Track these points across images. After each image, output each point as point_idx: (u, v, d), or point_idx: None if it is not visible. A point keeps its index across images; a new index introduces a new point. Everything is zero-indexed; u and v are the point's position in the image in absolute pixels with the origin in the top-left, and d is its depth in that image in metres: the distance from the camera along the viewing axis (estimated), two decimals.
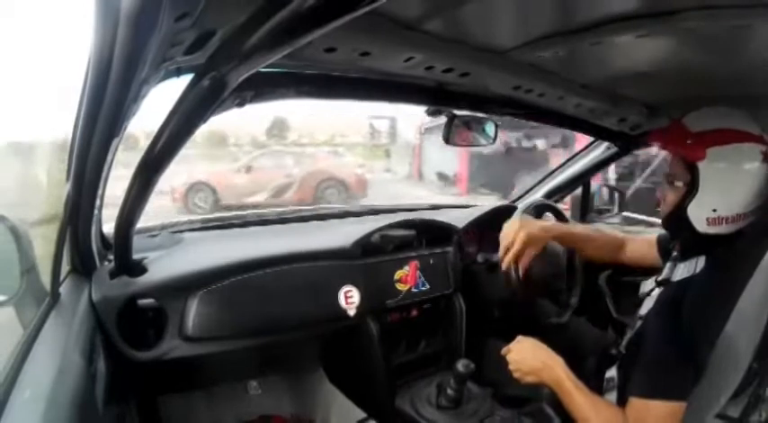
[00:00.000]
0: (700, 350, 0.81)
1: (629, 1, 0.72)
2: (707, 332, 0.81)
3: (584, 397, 0.90)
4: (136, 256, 1.01)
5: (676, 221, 0.94)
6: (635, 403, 0.82)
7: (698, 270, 0.90)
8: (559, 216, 1.48)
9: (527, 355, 1.00)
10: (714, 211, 0.89)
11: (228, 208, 6.63)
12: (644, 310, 0.96)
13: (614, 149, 1.66)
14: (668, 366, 0.81)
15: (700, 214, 0.91)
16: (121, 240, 0.92)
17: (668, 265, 0.97)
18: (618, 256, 1.28)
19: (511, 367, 1.02)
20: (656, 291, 0.97)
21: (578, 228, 1.31)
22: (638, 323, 0.94)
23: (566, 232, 1.26)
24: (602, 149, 1.71)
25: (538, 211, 1.75)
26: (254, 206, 5.74)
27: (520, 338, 1.05)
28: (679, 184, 0.93)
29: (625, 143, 1.61)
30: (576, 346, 1.37)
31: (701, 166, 0.89)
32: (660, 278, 0.96)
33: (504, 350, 1.05)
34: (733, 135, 0.87)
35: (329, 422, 1.31)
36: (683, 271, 0.92)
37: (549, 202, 1.60)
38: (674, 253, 0.99)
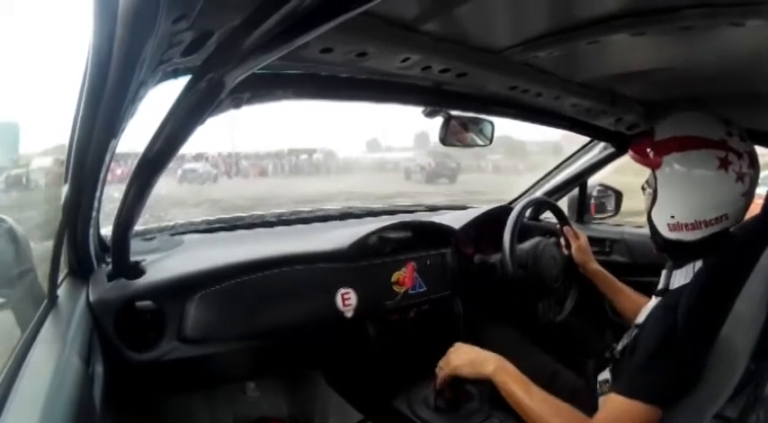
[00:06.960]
0: (696, 352, 0.81)
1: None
2: (703, 334, 0.81)
3: (542, 396, 0.88)
4: (134, 259, 1.01)
5: (650, 226, 0.99)
6: (614, 399, 0.82)
7: (694, 275, 0.89)
8: (559, 214, 1.48)
9: (470, 350, 1.01)
10: (672, 217, 0.92)
11: None
12: (641, 317, 0.96)
13: (611, 150, 1.67)
14: (656, 371, 0.81)
15: (660, 220, 0.95)
16: (119, 243, 0.92)
17: (664, 273, 0.98)
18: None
19: (451, 358, 1.01)
20: (654, 300, 0.96)
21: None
22: (635, 331, 0.94)
23: (602, 272, 1.32)
24: (598, 150, 1.72)
25: (537, 208, 1.76)
26: None
27: (458, 344, 1.04)
28: (649, 190, 0.97)
29: (622, 143, 1.60)
30: (574, 347, 1.37)
31: (659, 173, 0.93)
32: (658, 288, 0.96)
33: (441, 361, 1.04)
34: (688, 141, 0.89)
35: None
36: (679, 278, 0.92)
37: (550, 199, 1.61)
38: (669, 262, 0.99)
